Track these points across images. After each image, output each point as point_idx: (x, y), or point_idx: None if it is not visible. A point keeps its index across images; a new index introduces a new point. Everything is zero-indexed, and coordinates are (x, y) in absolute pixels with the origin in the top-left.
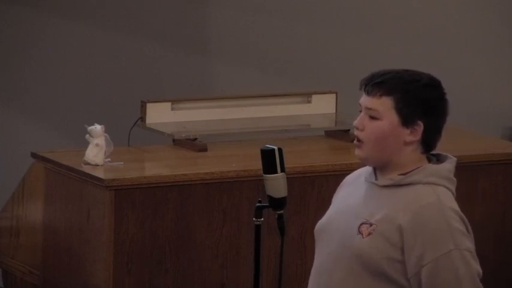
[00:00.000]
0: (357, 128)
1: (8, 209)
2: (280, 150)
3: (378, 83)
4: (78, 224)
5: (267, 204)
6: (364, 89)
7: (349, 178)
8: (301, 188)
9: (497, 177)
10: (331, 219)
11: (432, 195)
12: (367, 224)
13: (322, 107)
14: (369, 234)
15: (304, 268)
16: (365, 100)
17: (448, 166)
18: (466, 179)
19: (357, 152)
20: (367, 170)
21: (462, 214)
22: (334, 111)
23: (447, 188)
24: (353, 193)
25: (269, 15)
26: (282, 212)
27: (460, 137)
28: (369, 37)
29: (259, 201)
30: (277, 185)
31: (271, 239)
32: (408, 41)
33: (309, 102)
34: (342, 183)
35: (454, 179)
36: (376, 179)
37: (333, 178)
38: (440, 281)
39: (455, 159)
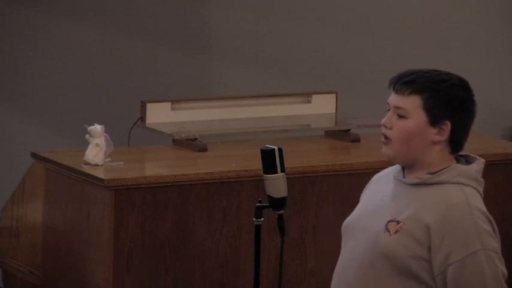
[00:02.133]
0: (385, 126)
1: (8, 209)
2: (280, 150)
3: (407, 82)
4: (78, 224)
5: (267, 204)
6: (393, 88)
7: (377, 176)
8: (301, 188)
9: (497, 177)
10: (359, 216)
11: (460, 195)
12: (394, 221)
13: (322, 107)
14: (396, 232)
15: (304, 268)
16: (393, 98)
17: (476, 167)
18: None
19: (384, 150)
20: (395, 168)
21: (489, 215)
22: (334, 111)
23: (475, 188)
24: (381, 191)
25: (269, 15)
26: (282, 212)
27: None
28: (369, 37)
29: (259, 201)
30: (277, 185)
31: (271, 239)
32: (408, 41)
33: (309, 102)
34: (370, 181)
35: (482, 180)
36: (404, 177)
37: (333, 178)
38: (465, 280)
39: (483, 160)
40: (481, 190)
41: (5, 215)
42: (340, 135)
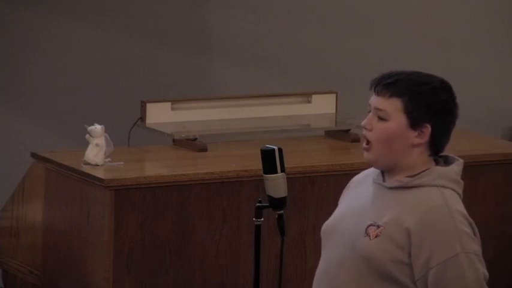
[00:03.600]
0: (365, 128)
1: (8, 209)
2: (280, 150)
3: (388, 84)
4: (78, 224)
5: (267, 204)
6: (374, 89)
7: (356, 179)
8: (301, 188)
9: (497, 177)
10: (338, 221)
11: (440, 198)
12: (374, 226)
13: (322, 107)
14: (376, 236)
15: (304, 268)
16: (374, 100)
17: (456, 168)
18: (466, 179)
19: (366, 155)
20: (374, 171)
21: (469, 217)
22: (334, 111)
23: (455, 190)
24: (360, 194)
25: (269, 15)
26: (282, 212)
27: (460, 137)
28: (369, 37)
29: (259, 201)
30: (277, 185)
31: (271, 239)
32: (408, 41)
33: (309, 102)
34: (348, 184)
35: (461, 181)
36: (383, 181)
37: (333, 178)
38: (447, 284)
39: (462, 161)
40: (461, 192)
41: (5, 215)
42: (340, 135)
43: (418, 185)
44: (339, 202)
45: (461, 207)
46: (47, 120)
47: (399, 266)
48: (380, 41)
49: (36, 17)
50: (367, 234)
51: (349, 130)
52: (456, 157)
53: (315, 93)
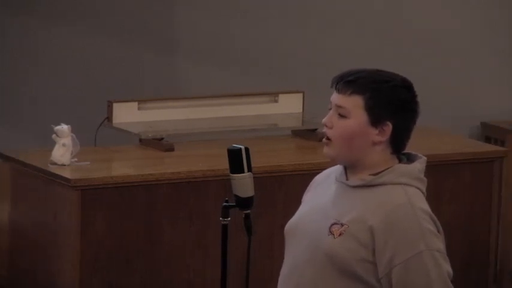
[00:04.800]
0: (326, 126)
1: None
2: (247, 149)
3: (349, 81)
4: (45, 224)
5: (234, 203)
6: (335, 87)
7: (319, 177)
8: (269, 187)
9: (465, 176)
10: (302, 220)
11: (403, 196)
12: (338, 224)
13: (289, 107)
14: (340, 234)
15: (272, 267)
16: (335, 98)
17: (419, 166)
18: (434, 178)
19: (326, 150)
20: (337, 169)
21: (433, 214)
22: (301, 110)
23: (418, 188)
24: (323, 193)
25: (236, 15)
26: (249, 211)
27: (428, 136)
28: (336, 37)
29: (226, 201)
30: (244, 184)
31: (238, 238)
32: (375, 40)
33: (276, 101)
34: (311, 183)
35: (425, 179)
36: (346, 179)
37: (300, 177)
38: (410, 281)
39: (425, 158)
40: (424, 189)
41: None
42: (307, 134)
43: (381, 183)
44: (302, 201)
45: (424, 205)
46: (12, 120)
47: (363, 264)
48: (347, 40)
49: (3, 14)
50: (330, 232)
51: (316, 129)
52: (419, 154)
53: (282, 92)
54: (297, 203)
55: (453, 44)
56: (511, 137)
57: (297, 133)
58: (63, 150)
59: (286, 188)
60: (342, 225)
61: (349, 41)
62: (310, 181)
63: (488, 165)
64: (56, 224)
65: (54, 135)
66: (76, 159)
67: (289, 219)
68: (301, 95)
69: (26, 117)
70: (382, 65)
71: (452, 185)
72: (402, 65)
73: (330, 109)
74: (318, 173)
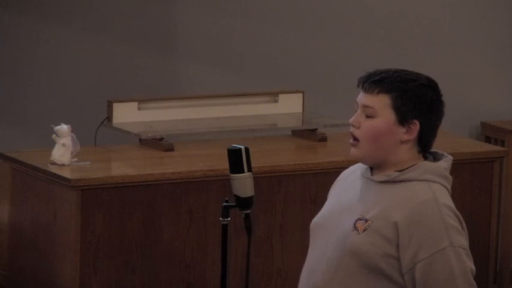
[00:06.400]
0: (353, 126)
1: None
2: (247, 149)
3: (376, 81)
4: (45, 224)
5: (234, 203)
6: (362, 86)
7: (343, 174)
8: (268, 187)
9: (465, 176)
10: (327, 216)
11: (428, 192)
12: (362, 220)
13: (289, 107)
14: (364, 230)
15: (271, 268)
16: (362, 97)
17: (444, 164)
18: None
19: (353, 151)
20: (362, 165)
21: (457, 211)
22: (301, 110)
23: (443, 185)
24: (349, 189)
25: (236, 15)
26: (248, 211)
27: None
28: (336, 36)
29: (226, 201)
30: (244, 184)
31: (238, 238)
32: (375, 40)
33: (276, 101)
34: (337, 179)
35: (450, 176)
36: (372, 175)
37: (300, 177)
38: (434, 277)
39: (451, 157)
40: (449, 187)
41: None
42: (307, 134)
43: (406, 179)
44: (328, 197)
45: (449, 202)
46: (13, 120)
47: (388, 260)
48: (347, 40)
49: None
50: (355, 228)
51: (316, 129)
52: (445, 153)
53: (282, 92)
54: (296, 203)
55: (453, 44)
56: (511, 137)
57: (297, 133)
58: (63, 150)
59: (286, 188)
60: (366, 220)
61: (349, 41)
62: (310, 181)
63: (488, 165)
64: (56, 224)
65: (54, 135)
66: (76, 159)
67: (288, 219)
68: (301, 95)
69: (26, 117)
70: (382, 65)
71: (452, 185)
72: (402, 65)
73: (356, 109)
74: (318, 173)
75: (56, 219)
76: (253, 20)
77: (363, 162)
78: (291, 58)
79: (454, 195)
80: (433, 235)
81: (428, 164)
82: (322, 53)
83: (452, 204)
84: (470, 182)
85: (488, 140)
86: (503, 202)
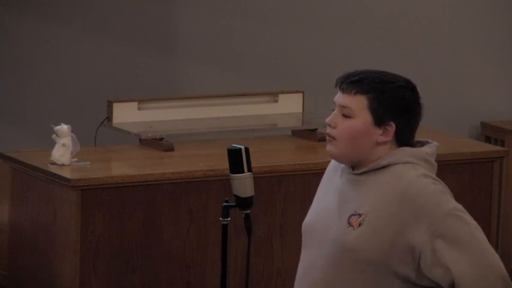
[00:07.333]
0: (329, 126)
1: None
2: (247, 149)
3: (354, 81)
4: (45, 224)
5: (234, 203)
6: (340, 87)
7: (330, 166)
8: (268, 187)
9: (465, 176)
10: (319, 216)
11: (412, 172)
12: (356, 215)
13: (289, 107)
14: (360, 224)
15: (271, 268)
16: (339, 98)
17: (427, 149)
18: None
19: (329, 147)
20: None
21: (436, 177)
22: (301, 110)
23: (426, 169)
24: (334, 188)
25: (236, 15)
26: (248, 211)
27: (428, 136)
28: (336, 36)
29: (226, 201)
30: (244, 184)
31: (238, 238)
32: (375, 40)
33: (276, 101)
34: (325, 172)
35: (434, 162)
36: (353, 171)
37: (300, 177)
38: (455, 236)
39: (436, 143)
40: (433, 173)
41: None
42: (307, 134)
43: (388, 164)
44: (317, 191)
45: (431, 174)
46: (13, 120)
47: (387, 251)
48: (347, 40)
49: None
50: (350, 224)
51: (316, 129)
52: (430, 140)
53: (282, 92)
54: (297, 203)
55: (453, 44)
56: (511, 137)
57: (297, 133)
58: (63, 150)
59: (286, 188)
60: (360, 215)
61: (349, 41)
62: (310, 181)
63: (488, 165)
64: (55, 224)
65: (54, 135)
66: (76, 159)
67: (288, 219)
68: (301, 95)
69: (26, 117)
70: (382, 65)
71: (452, 185)
72: (402, 65)
73: (333, 110)
74: (318, 173)
75: (56, 219)
76: (253, 20)
77: (339, 161)
78: (291, 58)
79: (454, 195)
80: (432, 208)
81: (409, 149)
82: (322, 53)
83: (435, 177)
84: (470, 182)
85: (488, 140)
86: (503, 202)
